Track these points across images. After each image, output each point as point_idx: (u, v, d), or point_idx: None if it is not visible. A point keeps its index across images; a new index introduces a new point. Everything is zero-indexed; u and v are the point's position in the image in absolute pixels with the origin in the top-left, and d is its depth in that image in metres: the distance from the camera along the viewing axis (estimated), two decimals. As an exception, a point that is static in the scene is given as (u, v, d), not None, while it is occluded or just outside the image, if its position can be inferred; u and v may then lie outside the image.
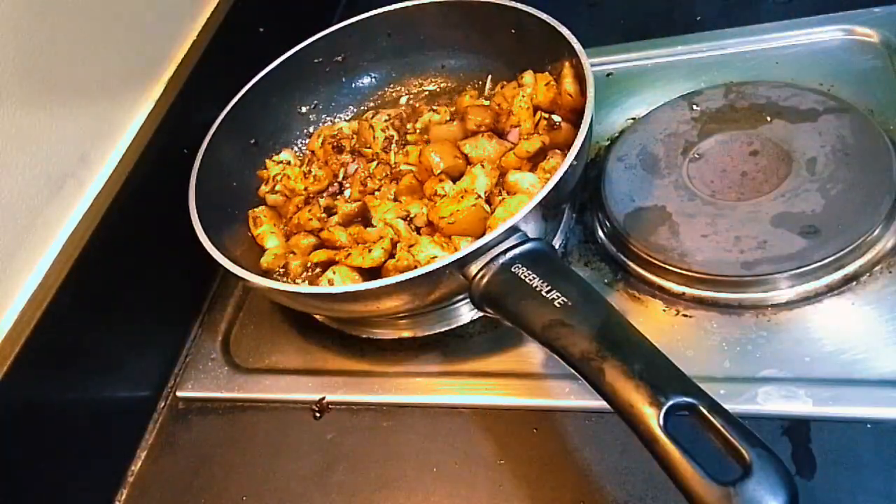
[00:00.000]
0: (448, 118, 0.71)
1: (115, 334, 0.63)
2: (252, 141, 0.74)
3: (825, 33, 0.70)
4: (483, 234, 0.57)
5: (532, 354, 0.57)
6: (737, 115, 0.65)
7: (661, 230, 0.59)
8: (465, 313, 0.62)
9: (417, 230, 0.62)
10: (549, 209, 0.54)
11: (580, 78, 0.61)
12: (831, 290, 0.53)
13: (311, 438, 0.59)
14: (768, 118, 0.63)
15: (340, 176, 0.70)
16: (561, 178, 0.52)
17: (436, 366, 0.60)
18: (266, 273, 0.65)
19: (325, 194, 0.70)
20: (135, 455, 0.63)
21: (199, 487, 0.59)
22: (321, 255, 0.63)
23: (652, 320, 0.56)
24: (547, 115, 0.65)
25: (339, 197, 0.69)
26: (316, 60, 0.77)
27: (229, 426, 0.62)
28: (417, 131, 0.72)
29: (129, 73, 0.68)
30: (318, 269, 0.63)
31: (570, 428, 0.53)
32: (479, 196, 0.60)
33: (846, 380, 0.49)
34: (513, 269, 0.49)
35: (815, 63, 0.68)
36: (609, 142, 0.70)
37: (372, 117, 0.73)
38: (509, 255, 0.50)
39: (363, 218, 0.66)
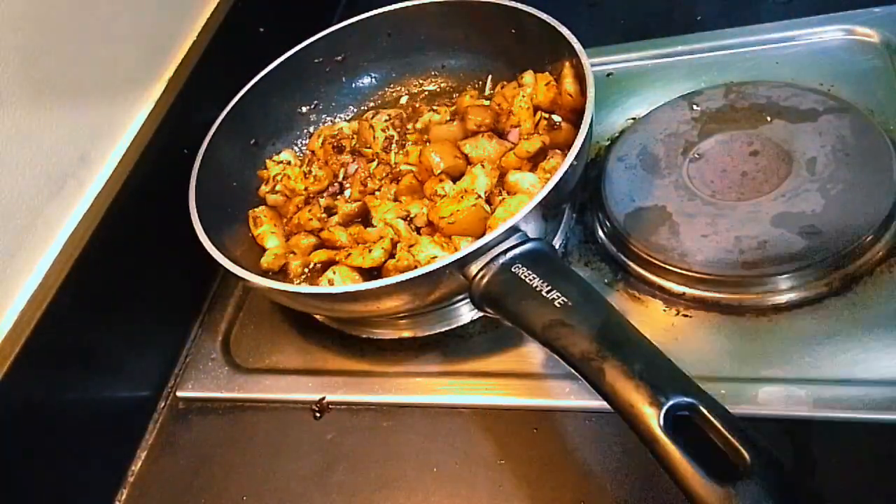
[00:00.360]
0: (448, 118, 0.71)
1: (116, 334, 0.63)
2: (252, 141, 0.74)
3: (825, 33, 0.70)
4: (483, 234, 0.57)
5: (532, 354, 0.57)
6: (737, 115, 0.65)
7: (662, 230, 0.59)
8: (466, 313, 0.62)
9: (417, 230, 0.62)
10: (549, 209, 0.54)
11: (580, 78, 0.61)
12: (831, 290, 0.53)
13: (312, 438, 0.59)
14: (768, 118, 0.63)
15: (340, 176, 0.70)
16: (561, 178, 0.52)
17: (436, 366, 0.60)
18: (266, 273, 0.65)
19: (325, 194, 0.70)
20: (135, 455, 0.63)
21: (199, 487, 0.59)
22: (321, 255, 0.63)
23: (652, 320, 0.56)
24: (547, 115, 0.65)
25: (339, 197, 0.69)
26: (316, 60, 0.77)
27: (229, 426, 0.62)
28: (417, 131, 0.72)
29: (129, 73, 0.68)
30: (318, 269, 0.63)
31: (570, 428, 0.53)
32: (480, 196, 0.60)
33: (846, 380, 0.49)
34: (513, 269, 0.49)
35: (815, 63, 0.68)
36: (609, 142, 0.70)
37: (372, 117, 0.73)
38: (509, 255, 0.50)
39: (363, 218, 0.66)
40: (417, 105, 0.77)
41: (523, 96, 0.66)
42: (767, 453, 0.37)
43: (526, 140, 0.63)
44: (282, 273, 0.66)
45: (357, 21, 0.75)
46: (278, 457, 0.59)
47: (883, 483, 0.44)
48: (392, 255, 0.61)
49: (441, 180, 0.63)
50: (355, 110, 0.80)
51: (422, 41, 0.77)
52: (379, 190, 0.67)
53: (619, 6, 0.83)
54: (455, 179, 0.64)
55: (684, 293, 0.57)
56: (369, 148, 0.71)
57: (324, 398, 0.61)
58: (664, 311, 0.57)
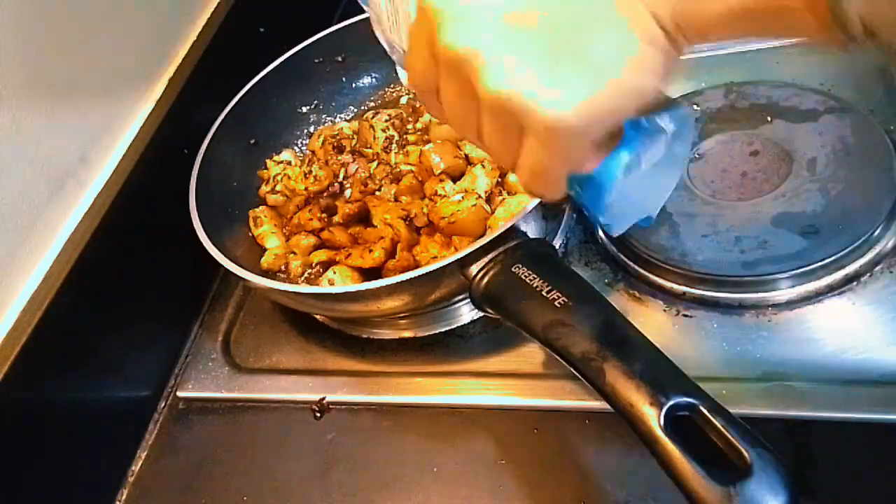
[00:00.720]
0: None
1: (116, 334, 0.63)
2: (252, 141, 0.74)
3: (826, 33, 0.70)
4: (483, 234, 0.57)
5: (532, 354, 0.57)
6: (737, 115, 0.65)
7: (662, 230, 0.59)
8: (466, 313, 0.62)
9: (418, 230, 0.62)
10: (549, 209, 0.54)
11: (580, 78, 0.61)
12: (832, 290, 0.53)
13: (312, 438, 0.59)
14: (769, 118, 0.63)
15: (341, 176, 0.70)
16: (561, 178, 0.52)
17: (436, 366, 0.60)
18: (266, 273, 0.65)
19: (325, 194, 0.70)
20: (135, 455, 0.63)
21: (200, 487, 0.59)
22: (321, 255, 0.63)
23: (652, 320, 0.56)
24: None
25: (339, 197, 0.69)
26: (316, 60, 0.77)
27: (229, 426, 0.62)
28: (417, 131, 0.72)
29: (129, 73, 0.68)
30: (318, 269, 0.63)
31: (570, 428, 0.53)
32: (480, 196, 0.60)
33: (847, 380, 0.48)
34: (513, 269, 0.49)
35: (815, 63, 0.68)
36: (609, 142, 0.70)
37: (372, 117, 0.73)
38: (510, 255, 0.50)
39: (363, 218, 0.66)
40: (417, 105, 0.77)
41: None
42: (767, 453, 0.37)
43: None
44: (282, 273, 0.66)
45: (357, 21, 0.75)
46: (279, 457, 0.59)
47: (883, 483, 0.44)
48: (392, 255, 0.61)
49: (441, 180, 0.63)
50: (355, 110, 0.80)
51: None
52: (379, 190, 0.67)
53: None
54: (455, 179, 0.64)
55: (685, 293, 0.57)
56: (369, 148, 0.71)
57: (324, 398, 0.61)
58: (664, 310, 0.57)
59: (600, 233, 0.63)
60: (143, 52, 0.69)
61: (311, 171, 0.71)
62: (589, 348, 0.43)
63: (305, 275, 0.64)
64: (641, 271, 0.59)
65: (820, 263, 0.53)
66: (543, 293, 0.47)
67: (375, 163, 0.69)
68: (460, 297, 0.56)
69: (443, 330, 0.62)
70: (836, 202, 0.55)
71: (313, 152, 0.74)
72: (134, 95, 0.68)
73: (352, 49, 0.77)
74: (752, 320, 0.54)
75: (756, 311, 0.54)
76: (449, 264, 0.50)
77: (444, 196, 0.61)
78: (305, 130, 0.79)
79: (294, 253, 0.65)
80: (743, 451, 0.37)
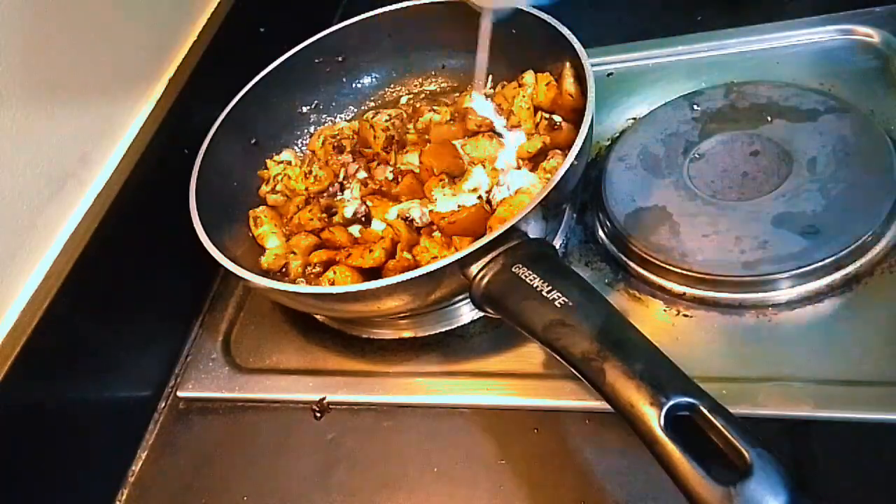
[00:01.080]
0: (448, 118, 0.71)
1: (116, 334, 0.63)
2: (253, 141, 0.74)
3: (826, 33, 0.70)
4: (483, 234, 0.57)
5: (532, 354, 0.57)
6: (737, 115, 0.65)
7: (662, 230, 0.59)
8: (466, 313, 0.62)
9: (418, 230, 0.62)
10: (549, 209, 0.54)
11: (581, 78, 0.61)
12: (832, 290, 0.53)
13: (312, 438, 0.59)
14: (769, 118, 0.63)
15: (341, 176, 0.70)
16: (562, 178, 0.52)
17: (436, 366, 0.60)
18: (266, 273, 0.65)
19: (325, 194, 0.70)
20: (135, 455, 0.63)
21: (200, 487, 0.59)
22: (321, 255, 0.63)
23: (653, 320, 0.56)
24: (548, 116, 0.65)
25: (339, 197, 0.69)
26: (316, 60, 0.77)
27: (230, 426, 0.62)
28: (417, 131, 0.72)
29: (129, 73, 0.68)
30: (318, 269, 0.63)
31: (570, 428, 0.53)
32: (480, 196, 0.60)
33: (847, 380, 0.48)
34: (513, 269, 0.49)
35: (815, 63, 0.68)
36: (610, 142, 0.70)
37: (372, 117, 0.73)
38: (510, 255, 0.50)
39: (363, 218, 0.66)
40: (417, 105, 0.77)
41: (524, 96, 0.66)
42: (767, 453, 0.37)
43: (527, 140, 0.63)
44: (282, 273, 0.66)
45: (357, 21, 0.75)
46: (279, 457, 0.59)
47: (883, 483, 0.44)
48: (392, 255, 0.61)
49: (441, 180, 0.63)
50: (355, 110, 0.80)
51: (422, 41, 0.77)
52: (379, 190, 0.67)
53: (619, 6, 0.83)
54: (455, 179, 0.64)
55: (685, 293, 0.57)
56: (370, 148, 0.71)
57: (324, 398, 0.61)
58: (665, 311, 0.57)
59: (600, 233, 0.63)
60: (143, 52, 0.69)
61: (311, 171, 0.71)
62: (589, 348, 0.43)
63: (305, 275, 0.64)
64: (641, 271, 0.59)
65: (820, 263, 0.53)
66: (543, 293, 0.47)
67: (375, 163, 0.69)
68: (460, 297, 0.56)
69: (443, 330, 0.62)
70: (836, 202, 0.55)
71: (313, 152, 0.74)
72: (134, 95, 0.68)
73: (352, 49, 0.77)
74: (752, 320, 0.54)
75: (756, 311, 0.54)
76: (449, 264, 0.50)
77: (445, 196, 0.61)
78: (305, 130, 0.79)
79: (294, 253, 0.65)
80: (743, 451, 0.37)
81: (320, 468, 0.57)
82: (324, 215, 0.67)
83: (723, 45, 0.73)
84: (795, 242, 0.54)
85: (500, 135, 0.66)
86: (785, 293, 0.54)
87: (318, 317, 0.67)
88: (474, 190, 0.62)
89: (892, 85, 0.63)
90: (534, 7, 0.60)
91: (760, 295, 0.54)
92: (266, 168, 0.73)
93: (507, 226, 0.50)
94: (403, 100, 0.79)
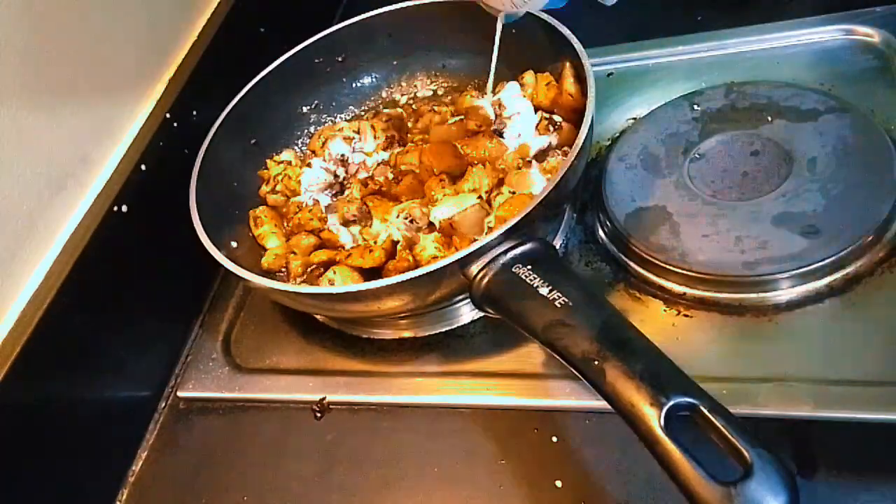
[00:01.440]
0: (448, 118, 0.71)
1: (116, 334, 0.63)
2: (253, 141, 0.74)
3: (826, 33, 0.70)
4: (483, 234, 0.57)
5: (532, 354, 0.57)
6: (738, 114, 0.65)
7: (662, 230, 0.59)
8: (466, 313, 0.62)
9: (418, 230, 0.62)
10: (549, 209, 0.54)
11: (581, 78, 0.61)
12: (832, 290, 0.53)
13: (312, 439, 0.59)
14: (769, 118, 0.63)
15: (341, 176, 0.70)
16: (562, 178, 0.52)
17: (436, 366, 0.60)
18: (267, 273, 0.65)
19: (325, 194, 0.69)
20: (136, 455, 0.63)
21: (200, 487, 0.59)
22: (321, 255, 0.63)
23: (653, 320, 0.56)
24: (548, 115, 0.65)
25: (339, 197, 0.69)
26: (316, 60, 0.77)
27: (230, 426, 0.62)
28: (417, 131, 0.72)
29: (129, 73, 0.68)
30: (318, 269, 0.63)
31: (570, 428, 0.53)
32: (480, 196, 0.60)
33: (847, 380, 0.48)
34: (513, 269, 0.49)
35: (815, 63, 0.68)
36: (610, 142, 0.70)
37: (372, 117, 0.73)
38: (510, 255, 0.50)
39: (364, 218, 0.66)
40: (417, 105, 0.77)
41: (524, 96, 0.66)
42: (767, 453, 0.37)
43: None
44: (282, 273, 0.66)
45: (357, 21, 0.75)
46: (279, 457, 0.59)
47: (883, 483, 0.44)
48: (392, 256, 0.61)
49: (441, 180, 0.63)
50: (355, 110, 0.80)
51: (422, 41, 0.77)
52: (379, 190, 0.67)
53: (619, 6, 0.83)
54: (455, 179, 0.64)
55: (685, 293, 0.57)
56: (370, 149, 0.71)
57: (324, 398, 0.61)
58: (665, 311, 0.57)
59: (601, 233, 0.63)
60: (143, 52, 0.69)
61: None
62: (589, 348, 0.43)
63: (305, 275, 0.64)
64: (641, 271, 0.59)
65: (820, 264, 0.53)
66: (544, 293, 0.47)
67: (375, 163, 0.69)
68: (460, 297, 0.56)
69: (443, 330, 0.62)
70: (836, 202, 0.55)
71: (313, 152, 0.74)
72: (134, 95, 0.68)
73: (352, 49, 0.77)
74: (753, 320, 0.54)
75: (756, 311, 0.54)
76: (449, 264, 0.50)
77: (445, 196, 0.61)
78: (305, 130, 0.79)
79: (294, 253, 0.65)
80: (743, 451, 0.37)
81: (320, 468, 0.57)
82: (324, 215, 0.67)
83: (723, 45, 0.73)
84: (796, 242, 0.54)
85: (500, 135, 0.66)
86: (785, 293, 0.54)
87: (318, 317, 0.67)
88: (474, 190, 0.62)
89: (892, 85, 0.63)
90: (543, 10, 0.60)
91: (761, 295, 0.54)
92: (266, 168, 0.73)
93: (507, 226, 0.50)
94: (403, 100, 0.79)
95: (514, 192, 0.60)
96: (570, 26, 0.63)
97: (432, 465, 0.54)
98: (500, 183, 0.62)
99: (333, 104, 0.80)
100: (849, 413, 0.47)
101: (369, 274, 0.60)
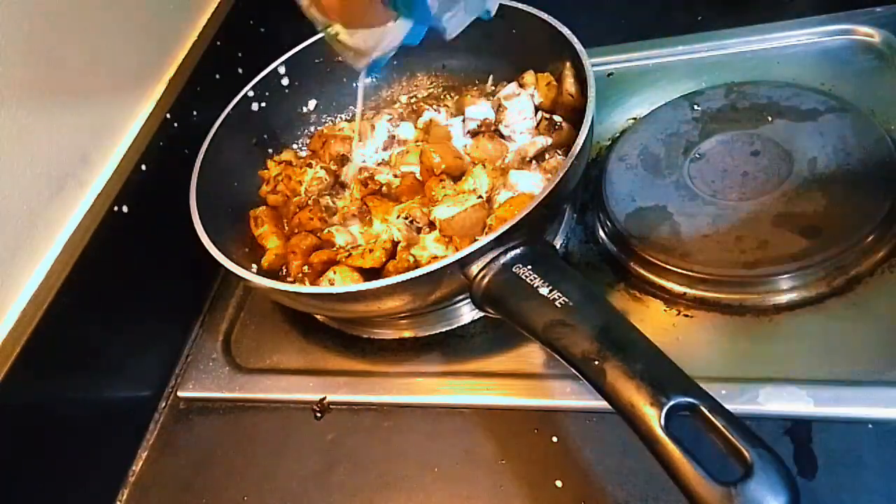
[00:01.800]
0: (448, 118, 0.71)
1: (117, 334, 0.63)
2: (253, 141, 0.74)
3: (826, 33, 0.70)
4: (483, 234, 0.57)
5: (533, 354, 0.57)
6: (738, 114, 0.65)
7: (663, 230, 0.59)
8: (466, 313, 0.62)
9: (418, 230, 0.62)
10: (549, 209, 0.54)
11: (581, 78, 0.61)
12: (832, 290, 0.53)
13: (312, 438, 0.59)
14: (769, 118, 0.63)
15: (341, 176, 0.70)
16: (562, 179, 0.52)
17: (437, 366, 0.60)
18: (267, 273, 0.65)
19: (325, 194, 0.69)
20: (136, 455, 0.63)
21: (200, 487, 0.59)
22: (322, 255, 0.63)
23: (653, 320, 0.56)
24: (548, 116, 0.65)
25: (339, 197, 0.69)
26: (316, 60, 0.77)
27: (230, 426, 0.62)
28: (417, 131, 0.72)
29: (129, 73, 0.68)
30: (318, 269, 0.63)
31: (570, 428, 0.53)
32: (480, 196, 0.60)
33: (847, 380, 0.48)
34: (514, 269, 0.49)
35: (816, 63, 0.68)
36: (610, 142, 0.70)
37: (372, 117, 0.73)
38: (510, 255, 0.50)
39: (364, 218, 0.66)
40: (417, 105, 0.77)
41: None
42: (767, 453, 0.37)
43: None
44: (282, 273, 0.65)
45: (357, 21, 0.75)
46: (279, 457, 0.59)
47: (883, 483, 0.44)
48: (392, 256, 0.61)
49: (441, 180, 0.63)
50: (355, 110, 0.80)
51: (421, 41, 0.77)
52: (379, 190, 0.67)
53: (619, 6, 0.83)
54: (455, 179, 0.64)
55: (685, 293, 0.57)
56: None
57: (325, 398, 0.61)
58: (665, 311, 0.57)
59: (601, 233, 0.63)
60: (143, 52, 0.69)
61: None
62: (589, 348, 0.43)
63: (305, 275, 0.64)
64: (642, 271, 0.59)
65: (820, 264, 0.53)
66: (544, 293, 0.47)
67: (376, 163, 0.69)
68: (461, 297, 0.56)
69: (443, 330, 0.62)
70: (836, 202, 0.55)
71: (314, 152, 0.74)
72: (134, 95, 0.68)
73: (352, 49, 0.77)
74: (753, 320, 0.54)
75: (757, 311, 0.54)
76: (449, 264, 0.50)
77: (445, 196, 0.61)
78: (305, 130, 0.79)
79: (294, 253, 0.65)
80: (743, 450, 0.37)
81: (320, 468, 0.57)
82: (324, 215, 0.67)
83: (723, 45, 0.73)
84: (796, 242, 0.54)
85: (502, 135, 0.66)
86: (785, 293, 0.54)
87: (318, 317, 0.67)
88: (474, 190, 0.62)
89: (892, 85, 0.63)
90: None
91: (761, 295, 0.54)
92: (266, 168, 0.73)
93: (507, 226, 0.50)
94: (403, 100, 0.79)
95: (514, 193, 0.60)
96: (570, 26, 0.63)
97: (432, 465, 0.54)
98: (501, 183, 0.62)
99: (333, 104, 0.80)
100: (849, 413, 0.47)
101: (369, 274, 0.60)
